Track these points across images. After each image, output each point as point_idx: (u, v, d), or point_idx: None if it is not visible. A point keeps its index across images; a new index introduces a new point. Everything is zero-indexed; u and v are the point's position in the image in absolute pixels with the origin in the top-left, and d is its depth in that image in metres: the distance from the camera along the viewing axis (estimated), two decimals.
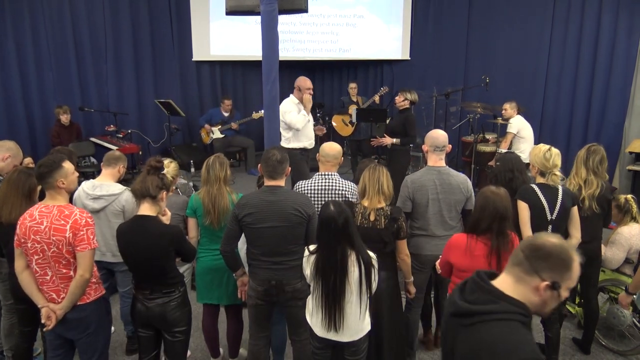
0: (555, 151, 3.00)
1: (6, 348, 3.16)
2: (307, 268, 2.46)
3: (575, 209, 2.99)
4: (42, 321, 2.43)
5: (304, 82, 5.03)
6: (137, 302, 2.61)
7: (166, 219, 2.66)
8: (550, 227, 2.94)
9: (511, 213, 2.45)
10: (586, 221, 3.11)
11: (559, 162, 2.98)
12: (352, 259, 2.38)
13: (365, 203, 2.81)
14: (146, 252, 2.48)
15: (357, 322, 2.46)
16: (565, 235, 3.01)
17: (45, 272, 2.43)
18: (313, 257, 2.43)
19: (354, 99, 7.72)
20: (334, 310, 2.39)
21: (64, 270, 2.42)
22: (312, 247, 2.48)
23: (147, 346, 2.70)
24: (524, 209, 2.92)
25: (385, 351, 2.94)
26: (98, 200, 3.15)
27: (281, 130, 4.86)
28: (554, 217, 2.93)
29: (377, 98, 7.50)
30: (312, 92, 5.07)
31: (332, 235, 2.35)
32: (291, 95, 5.06)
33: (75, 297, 2.43)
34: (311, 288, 2.48)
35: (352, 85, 7.82)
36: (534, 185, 2.98)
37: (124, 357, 3.51)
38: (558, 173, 2.96)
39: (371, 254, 2.46)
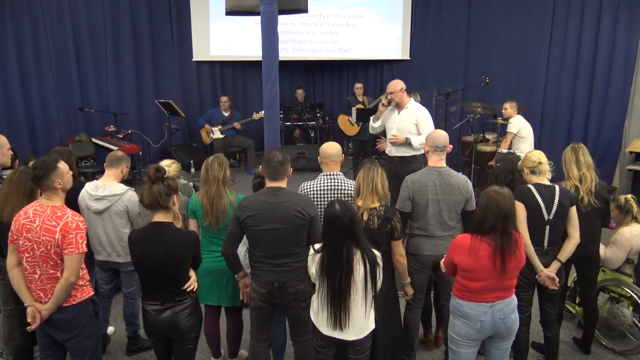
0: (537, 151, 3.09)
1: (6, 352, 3.16)
2: (312, 267, 2.46)
3: (573, 208, 2.99)
4: (28, 320, 2.43)
5: None
6: (147, 314, 2.54)
7: (177, 223, 2.63)
8: (547, 227, 2.94)
9: (515, 212, 2.46)
10: (586, 219, 3.12)
11: (544, 158, 3.04)
12: (358, 258, 2.39)
13: (359, 202, 2.82)
14: (163, 260, 2.44)
15: (363, 321, 2.46)
16: (564, 235, 3.02)
17: (34, 271, 2.43)
18: (318, 255, 2.43)
19: (360, 99, 7.71)
20: (339, 308, 2.40)
21: (52, 271, 2.42)
22: (317, 246, 2.48)
23: (165, 357, 2.70)
24: (520, 209, 2.91)
25: (378, 351, 2.94)
26: (101, 200, 3.16)
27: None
28: (551, 217, 2.93)
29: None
30: None
31: (338, 233, 2.36)
32: None
33: (60, 299, 2.42)
34: (316, 286, 2.48)
35: (358, 85, 7.80)
36: (530, 186, 2.98)
37: (124, 357, 3.51)
38: (544, 161, 3.02)
39: (376, 252, 2.47)
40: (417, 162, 4.52)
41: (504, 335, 2.55)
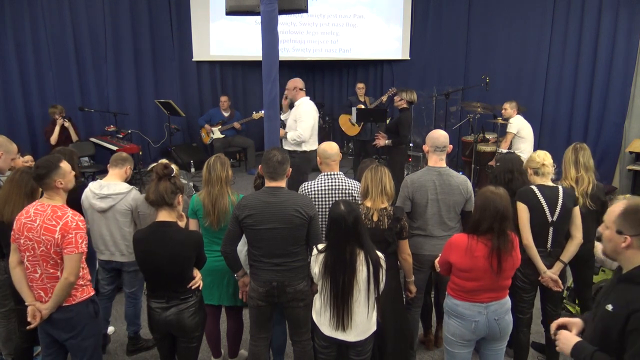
0: (543, 152, 3.08)
1: (5, 353, 3.16)
2: (315, 267, 2.46)
3: (577, 209, 2.98)
4: (28, 319, 2.44)
5: None
6: (152, 312, 2.55)
7: (183, 224, 2.64)
8: (551, 228, 2.93)
9: (511, 213, 2.46)
10: (582, 221, 3.11)
11: (548, 160, 3.02)
12: (361, 259, 2.39)
13: (368, 204, 2.81)
14: (167, 259, 2.45)
15: (365, 322, 2.47)
16: (567, 236, 3.01)
17: (35, 270, 2.44)
18: (321, 255, 2.43)
19: (362, 99, 7.70)
20: (342, 309, 2.40)
21: (52, 270, 2.42)
22: (320, 246, 2.48)
23: (168, 355, 2.70)
24: (523, 210, 2.91)
25: (388, 352, 2.94)
26: (105, 199, 3.16)
27: None
28: (554, 219, 2.92)
29: (384, 98, 7.46)
30: None
31: (342, 234, 2.36)
32: None
33: (60, 298, 2.42)
34: (319, 287, 2.48)
35: (360, 85, 7.80)
36: (533, 187, 2.97)
37: (124, 357, 3.51)
38: (547, 163, 3.00)
39: (379, 253, 2.47)
40: (297, 156, 4.77)
41: (498, 337, 2.54)
